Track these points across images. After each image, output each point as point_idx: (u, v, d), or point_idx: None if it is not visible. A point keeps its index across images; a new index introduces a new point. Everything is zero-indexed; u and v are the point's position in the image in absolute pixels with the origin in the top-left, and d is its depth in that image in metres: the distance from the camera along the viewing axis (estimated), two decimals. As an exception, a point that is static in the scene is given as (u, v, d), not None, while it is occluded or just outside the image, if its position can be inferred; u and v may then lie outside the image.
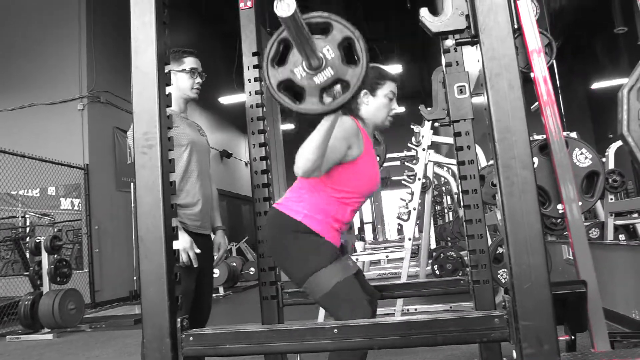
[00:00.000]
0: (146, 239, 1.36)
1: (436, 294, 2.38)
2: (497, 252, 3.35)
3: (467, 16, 1.38)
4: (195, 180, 2.22)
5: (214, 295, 7.50)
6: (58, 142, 7.53)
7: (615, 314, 3.02)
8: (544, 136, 2.45)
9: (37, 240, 5.01)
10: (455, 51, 2.39)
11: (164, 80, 1.41)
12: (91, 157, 7.62)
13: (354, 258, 2.74)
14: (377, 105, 1.94)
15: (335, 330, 1.26)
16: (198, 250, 2.06)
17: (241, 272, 9.91)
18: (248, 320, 4.56)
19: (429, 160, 3.99)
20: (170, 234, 1.41)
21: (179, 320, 1.38)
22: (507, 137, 1.27)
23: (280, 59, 1.25)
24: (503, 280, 3.32)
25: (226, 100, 12.82)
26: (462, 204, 2.27)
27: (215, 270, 7.98)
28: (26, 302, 4.92)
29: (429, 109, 2.62)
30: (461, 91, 2.38)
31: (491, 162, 3.96)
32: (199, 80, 2.27)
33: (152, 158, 1.36)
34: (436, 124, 3.70)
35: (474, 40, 1.35)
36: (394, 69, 12.76)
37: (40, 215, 8.36)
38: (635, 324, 2.86)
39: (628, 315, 2.94)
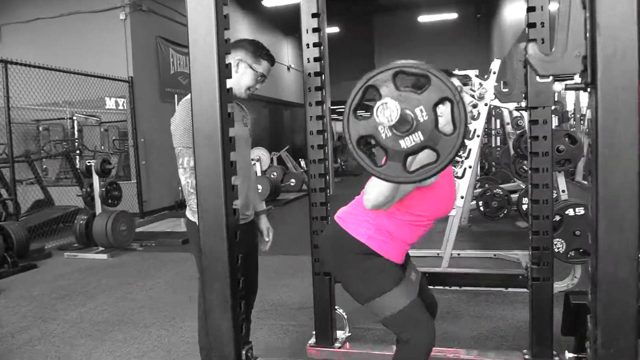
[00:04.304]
0: (210, 269, 1.35)
1: (493, 286, 2.34)
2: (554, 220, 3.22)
3: (584, 57, 1.17)
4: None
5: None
6: (102, 53, 7.44)
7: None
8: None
9: (88, 164, 5.12)
10: (542, 27, 2.12)
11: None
12: (135, 68, 7.54)
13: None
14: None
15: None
16: None
17: (282, 184, 10.06)
18: (292, 237, 4.59)
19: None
20: (235, 264, 1.38)
21: (243, 352, 1.40)
22: (614, 212, 1.13)
23: (365, 106, 1.13)
24: (556, 250, 3.22)
25: (270, 2, 12.22)
26: (530, 211, 2.13)
27: (258, 185, 8.12)
28: (81, 222, 5.16)
29: (505, 90, 2.39)
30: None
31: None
32: (258, 86, 2.15)
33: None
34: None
35: (590, 87, 1.16)
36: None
37: (87, 116, 8.51)
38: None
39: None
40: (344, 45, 15.08)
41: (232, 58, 2.05)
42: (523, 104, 2.23)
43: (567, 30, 1.18)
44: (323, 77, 2.26)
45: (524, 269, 2.26)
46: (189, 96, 1.95)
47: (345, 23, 15.46)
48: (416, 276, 1.79)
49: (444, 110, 1.64)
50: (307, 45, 2.25)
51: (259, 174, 8.46)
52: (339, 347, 2.41)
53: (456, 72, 8.04)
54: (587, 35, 1.14)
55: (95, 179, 5.10)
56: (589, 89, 1.16)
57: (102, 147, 8.53)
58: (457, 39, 15.14)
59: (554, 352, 2.22)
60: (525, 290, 2.33)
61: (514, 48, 2.34)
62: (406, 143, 1.07)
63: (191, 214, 2.09)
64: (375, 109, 0.97)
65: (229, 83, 1.29)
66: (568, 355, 2.20)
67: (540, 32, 2.11)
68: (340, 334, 2.48)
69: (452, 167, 3.76)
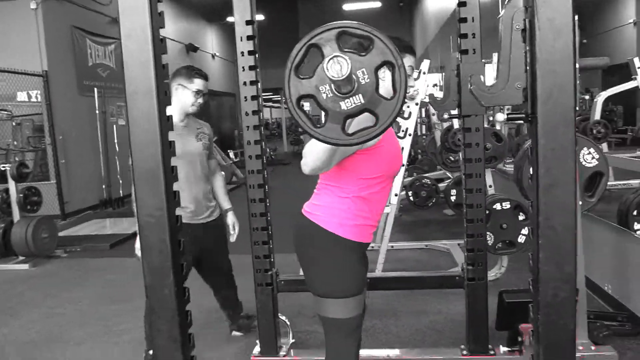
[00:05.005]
0: (157, 310, 1.30)
1: (431, 287, 2.43)
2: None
3: (524, 89, 1.22)
4: (188, 186, 2.53)
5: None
6: (12, 46, 6.88)
7: (589, 281, 3.17)
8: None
9: (2, 169, 4.74)
10: (474, 38, 2.19)
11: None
12: (50, 61, 7.03)
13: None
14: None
15: None
16: None
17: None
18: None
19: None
20: (182, 301, 1.33)
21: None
22: (552, 235, 1.20)
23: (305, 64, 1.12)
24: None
25: (192, -12, 11.85)
26: (465, 215, 2.21)
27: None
28: (-3, 231, 4.80)
29: (439, 98, 2.45)
30: (475, 84, 2.22)
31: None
32: (200, 100, 2.56)
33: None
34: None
35: (530, 117, 1.21)
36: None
37: (-5, 111, 7.88)
38: (608, 297, 3.03)
39: (600, 286, 3.10)
40: (269, 33, 14.92)
41: (173, 85, 2.51)
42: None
43: (508, 62, 1.23)
44: (257, 71, 2.26)
45: (460, 269, 2.36)
46: None
47: (270, 11, 15.26)
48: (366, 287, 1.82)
49: (385, 76, 1.52)
50: (241, 38, 2.24)
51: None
52: (284, 355, 2.42)
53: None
54: (527, 68, 1.19)
55: (12, 184, 4.74)
56: (529, 119, 1.22)
57: (15, 144, 7.94)
58: (381, 28, 15.38)
59: (490, 347, 2.35)
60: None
61: (449, 60, 2.41)
62: (346, 105, 1.07)
63: None
64: (325, 62, 0.95)
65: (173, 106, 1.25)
66: (502, 349, 2.35)
67: (472, 43, 2.19)
68: (284, 342, 2.49)
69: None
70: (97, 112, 7.87)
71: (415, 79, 3.52)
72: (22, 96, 7.57)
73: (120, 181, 8.21)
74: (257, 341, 2.43)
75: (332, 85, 1.05)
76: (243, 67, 2.25)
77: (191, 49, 12.87)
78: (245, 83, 2.26)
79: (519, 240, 3.33)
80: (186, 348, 1.34)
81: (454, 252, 4.24)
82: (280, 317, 2.49)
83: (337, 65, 0.97)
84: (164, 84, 1.30)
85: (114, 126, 8.32)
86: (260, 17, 14.55)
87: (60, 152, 7.13)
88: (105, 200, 7.98)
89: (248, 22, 2.26)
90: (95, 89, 7.88)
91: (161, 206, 1.27)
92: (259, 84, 2.29)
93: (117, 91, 8.80)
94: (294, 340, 2.51)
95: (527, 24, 1.18)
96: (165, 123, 1.28)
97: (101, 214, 7.62)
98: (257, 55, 2.28)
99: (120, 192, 8.21)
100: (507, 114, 1.29)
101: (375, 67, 1.05)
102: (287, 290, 2.44)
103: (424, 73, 3.59)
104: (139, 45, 1.26)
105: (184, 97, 2.50)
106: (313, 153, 1.43)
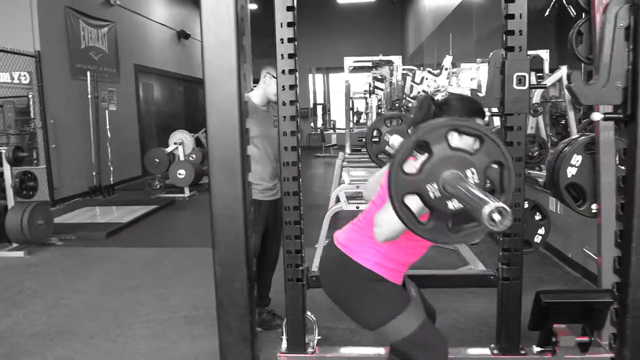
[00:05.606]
0: (227, 306, 1.24)
1: (465, 286, 2.40)
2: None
3: (624, 89, 1.18)
4: (262, 163, 2.74)
5: (179, 195, 7.38)
6: (2, 25, 6.62)
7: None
8: (592, 134, 2.35)
9: (-2, 151, 4.56)
10: (521, 35, 2.15)
11: None
12: (42, 42, 6.80)
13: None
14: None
15: None
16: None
17: (203, 167, 9.67)
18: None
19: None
20: (253, 298, 1.26)
21: None
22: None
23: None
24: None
25: (185, -27, 11.60)
26: None
27: (181, 171, 7.79)
28: (-10, 216, 4.62)
29: (480, 94, 2.40)
30: (520, 81, 2.19)
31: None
32: None
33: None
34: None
35: (628, 118, 1.17)
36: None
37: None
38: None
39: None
40: (261, 23, 14.75)
41: (262, 73, 2.70)
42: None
43: (609, 61, 1.18)
44: (296, 62, 2.19)
45: (494, 270, 2.33)
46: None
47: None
48: (415, 290, 1.77)
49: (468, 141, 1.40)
50: (281, 24, 2.16)
51: (182, 158, 8.09)
52: (312, 352, 2.37)
53: (380, 57, 8.08)
54: (629, 67, 1.15)
55: (7, 167, 4.57)
56: (627, 120, 1.18)
57: (-2, 127, 7.66)
58: (374, 22, 15.38)
59: (520, 346, 2.33)
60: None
61: (492, 55, 2.38)
62: (454, 204, 1.03)
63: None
64: (488, 212, 0.89)
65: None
66: (535, 349, 2.33)
67: (519, 40, 2.15)
68: (310, 338, 2.43)
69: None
70: (89, 96, 7.66)
71: (437, 75, 3.48)
72: (4, 77, 7.29)
73: (111, 168, 8.02)
74: (284, 337, 2.37)
75: (441, 184, 1.03)
76: (282, 55, 2.18)
77: (182, 35, 12.63)
78: (283, 71, 2.18)
79: (535, 240, 3.32)
80: (255, 346, 1.28)
81: (462, 251, 4.23)
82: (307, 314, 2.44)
83: (499, 216, 0.93)
84: (243, 67, 1.23)
85: (106, 112, 8.12)
86: (253, 6, 14.38)
87: (51, 137, 6.92)
88: (95, 188, 7.79)
89: (289, 8, 2.19)
90: (88, 73, 7.67)
91: (238, 197, 1.20)
92: (297, 72, 2.23)
93: (108, 76, 8.59)
94: (319, 337, 2.46)
95: (632, 21, 1.14)
96: (244, 110, 1.22)
97: (91, 201, 7.44)
98: (296, 43, 2.21)
99: (111, 179, 8.02)
100: (604, 114, 1.24)
101: (485, 166, 1.04)
102: (317, 286, 2.38)
103: (446, 69, 3.54)
104: (222, 24, 1.19)
105: (269, 86, 2.67)
106: (391, 225, 1.41)
